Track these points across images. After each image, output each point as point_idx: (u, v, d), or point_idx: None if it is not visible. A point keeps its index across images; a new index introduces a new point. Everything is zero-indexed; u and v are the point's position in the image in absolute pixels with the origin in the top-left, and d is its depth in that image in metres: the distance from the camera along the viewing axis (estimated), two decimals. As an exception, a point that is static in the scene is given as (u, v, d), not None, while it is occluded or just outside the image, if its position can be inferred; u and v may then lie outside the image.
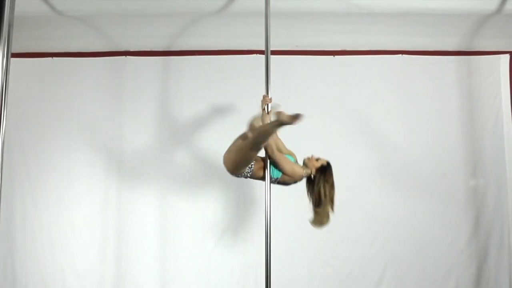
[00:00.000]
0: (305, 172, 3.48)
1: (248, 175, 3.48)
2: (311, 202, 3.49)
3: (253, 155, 3.38)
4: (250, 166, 3.44)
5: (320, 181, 3.44)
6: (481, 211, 5.00)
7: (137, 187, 5.01)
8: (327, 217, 3.41)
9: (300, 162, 3.61)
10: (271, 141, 3.36)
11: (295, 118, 3.12)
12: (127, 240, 4.96)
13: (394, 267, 4.93)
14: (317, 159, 3.52)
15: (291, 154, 3.68)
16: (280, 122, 3.19)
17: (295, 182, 3.54)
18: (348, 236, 4.94)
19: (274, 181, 3.50)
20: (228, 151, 3.48)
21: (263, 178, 3.51)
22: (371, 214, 4.96)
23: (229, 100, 5.00)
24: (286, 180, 3.50)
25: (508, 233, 4.95)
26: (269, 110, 3.49)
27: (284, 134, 3.67)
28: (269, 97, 3.50)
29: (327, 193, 3.41)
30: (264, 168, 3.47)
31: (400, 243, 4.94)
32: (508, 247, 4.95)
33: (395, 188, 4.99)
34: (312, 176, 3.49)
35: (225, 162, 3.49)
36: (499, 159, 5.04)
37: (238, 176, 3.51)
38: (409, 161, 5.04)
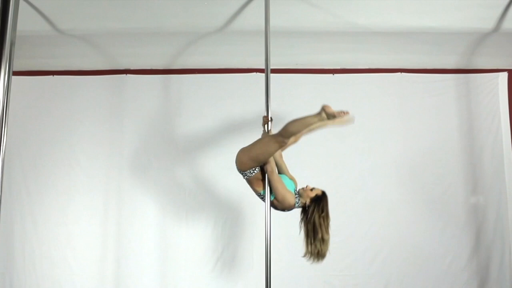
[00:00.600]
0: (300, 202, 3.40)
1: (247, 176, 3.42)
2: (304, 233, 3.37)
3: (273, 150, 3.28)
4: (254, 168, 3.38)
5: (314, 211, 3.33)
6: (481, 229, 4.98)
7: (136, 206, 5.00)
8: (325, 247, 3.30)
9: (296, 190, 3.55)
10: (271, 160, 3.35)
11: (342, 113, 3.08)
12: (126, 258, 4.93)
13: (394, 286, 4.89)
14: (312, 189, 3.42)
15: (292, 179, 3.62)
16: (325, 116, 3.15)
17: (283, 210, 3.45)
18: (349, 254, 4.91)
19: (261, 198, 3.45)
20: (248, 146, 3.40)
21: (255, 190, 3.47)
22: (371, 232, 4.94)
23: (229, 118, 5.01)
24: (275, 205, 3.42)
25: (510, 251, 4.93)
26: (269, 129, 3.49)
27: (284, 153, 3.67)
28: (269, 116, 3.50)
29: (322, 222, 3.31)
30: (264, 184, 3.43)
31: (401, 261, 4.91)
32: (509, 265, 4.92)
33: (394, 205, 4.98)
34: (307, 206, 3.39)
35: (239, 154, 3.40)
36: (499, 176, 5.04)
37: (241, 172, 3.43)
38: (409, 179, 5.03)
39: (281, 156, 3.62)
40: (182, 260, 4.93)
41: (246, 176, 3.43)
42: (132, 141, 5.11)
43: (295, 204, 3.41)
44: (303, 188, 3.46)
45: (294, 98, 5.04)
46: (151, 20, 4.26)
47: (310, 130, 3.42)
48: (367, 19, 4.25)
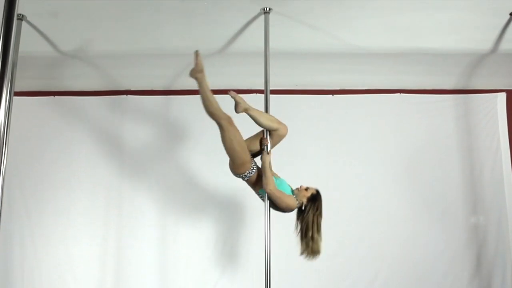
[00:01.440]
0: (297, 203, 3.46)
1: (246, 177, 3.46)
2: (298, 231, 3.44)
3: (233, 130, 3.37)
4: (251, 169, 3.42)
5: (311, 210, 3.41)
6: (482, 249, 4.95)
7: (136, 227, 4.98)
8: (318, 244, 3.37)
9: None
10: (270, 178, 3.36)
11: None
12: (126, 279, 4.88)
13: (396, 306, 4.86)
14: (307, 189, 3.49)
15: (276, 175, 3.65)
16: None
17: (284, 211, 3.50)
18: (349, 273, 4.88)
19: (261, 198, 3.50)
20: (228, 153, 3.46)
21: (256, 189, 3.52)
22: (372, 252, 4.91)
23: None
24: (277, 205, 3.46)
25: (511, 271, 4.89)
26: (268, 150, 3.50)
27: (283, 173, 3.66)
28: (268, 138, 3.51)
29: (315, 220, 3.38)
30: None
31: (402, 281, 4.87)
32: (511, 285, 4.88)
33: (394, 225, 4.96)
34: (303, 206, 3.46)
35: (229, 162, 3.49)
36: (499, 195, 5.03)
37: (240, 176, 3.46)
38: (409, 199, 5.02)
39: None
40: (182, 280, 4.89)
41: (246, 178, 3.46)
42: (132, 162, 5.11)
43: (295, 207, 3.47)
44: (297, 189, 3.52)
45: (293, 119, 5.02)
46: (151, 41, 4.29)
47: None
48: (366, 40, 4.29)
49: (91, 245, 4.95)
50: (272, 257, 3.48)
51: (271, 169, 3.46)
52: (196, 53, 3.40)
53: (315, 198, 3.46)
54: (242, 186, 3.69)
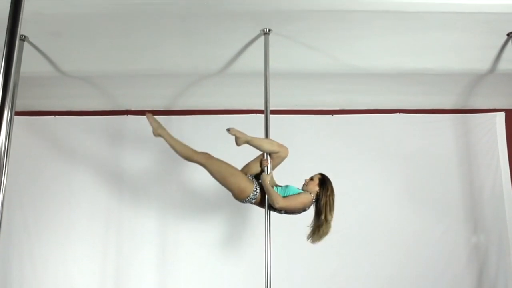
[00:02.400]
0: (312, 195, 3.44)
1: (253, 200, 3.44)
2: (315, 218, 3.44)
3: (217, 162, 3.51)
4: (255, 190, 3.41)
5: (323, 193, 3.42)
6: (484, 269, 4.92)
7: (136, 247, 4.95)
8: (330, 225, 3.39)
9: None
10: (273, 192, 3.36)
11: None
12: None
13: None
14: (312, 179, 3.51)
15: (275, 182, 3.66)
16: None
17: (305, 209, 3.50)
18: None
19: (279, 211, 3.45)
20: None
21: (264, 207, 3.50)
22: (372, 272, 4.88)
23: (230, 158, 5.02)
24: (295, 211, 3.47)
25: (513, 291, 4.87)
26: (268, 171, 3.50)
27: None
28: (268, 159, 3.52)
29: (328, 201, 3.40)
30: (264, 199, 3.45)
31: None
32: (513, 306, 4.85)
33: (395, 245, 4.93)
34: (318, 194, 3.45)
35: (232, 193, 3.49)
36: (500, 215, 5.01)
37: (246, 201, 3.45)
38: (408, 219, 5.00)
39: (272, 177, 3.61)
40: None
41: (253, 200, 3.44)
42: (132, 182, 5.10)
43: (312, 200, 3.45)
44: (304, 184, 3.52)
45: (293, 139, 5.01)
46: (152, 61, 4.32)
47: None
48: (365, 61, 4.31)
49: (91, 264, 4.91)
50: (273, 260, 3.43)
51: (273, 182, 3.49)
52: (148, 116, 3.70)
53: (324, 182, 3.47)
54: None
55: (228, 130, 3.46)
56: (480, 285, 4.89)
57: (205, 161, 3.49)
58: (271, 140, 3.55)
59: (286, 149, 3.53)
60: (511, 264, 4.91)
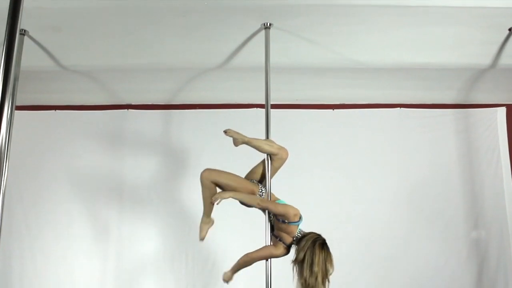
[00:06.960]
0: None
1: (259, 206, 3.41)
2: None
3: (224, 175, 3.45)
4: (260, 193, 3.40)
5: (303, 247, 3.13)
6: (484, 264, 4.92)
7: (136, 241, 4.96)
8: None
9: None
10: (245, 196, 3.36)
11: None
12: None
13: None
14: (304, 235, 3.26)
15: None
16: None
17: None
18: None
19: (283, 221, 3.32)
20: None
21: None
22: (371, 269, 4.88)
23: (229, 154, 5.01)
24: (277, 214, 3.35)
25: (513, 286, 4.87)
26: (268, 172, 3.48)
27: (281, 189, 3.63)
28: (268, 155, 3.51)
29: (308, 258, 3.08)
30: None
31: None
32: (513, 301, 4.85)
33: (394, 241, 4.93)
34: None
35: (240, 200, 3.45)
36: (500, 210, 5.01)
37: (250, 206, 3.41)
38: (408, 214, 5.00)
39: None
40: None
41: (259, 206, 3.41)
42: (133, 177, 5.09)
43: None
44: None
45: (294, 133, 5.05)
46: (152, 56, 4.31)
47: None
48: (366, 55, 4.31)
49: (92, 260, 4.92)
50: (273, 260, 3.42)
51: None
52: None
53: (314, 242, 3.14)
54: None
55: (225, 132, 3.43)
56: (480, 279, 4.90)
57: (207, 183, 3.47)
58: (271, 141, 3.52)
59: (286, 151, 3.47)
60: (511, 258, 4.91)
